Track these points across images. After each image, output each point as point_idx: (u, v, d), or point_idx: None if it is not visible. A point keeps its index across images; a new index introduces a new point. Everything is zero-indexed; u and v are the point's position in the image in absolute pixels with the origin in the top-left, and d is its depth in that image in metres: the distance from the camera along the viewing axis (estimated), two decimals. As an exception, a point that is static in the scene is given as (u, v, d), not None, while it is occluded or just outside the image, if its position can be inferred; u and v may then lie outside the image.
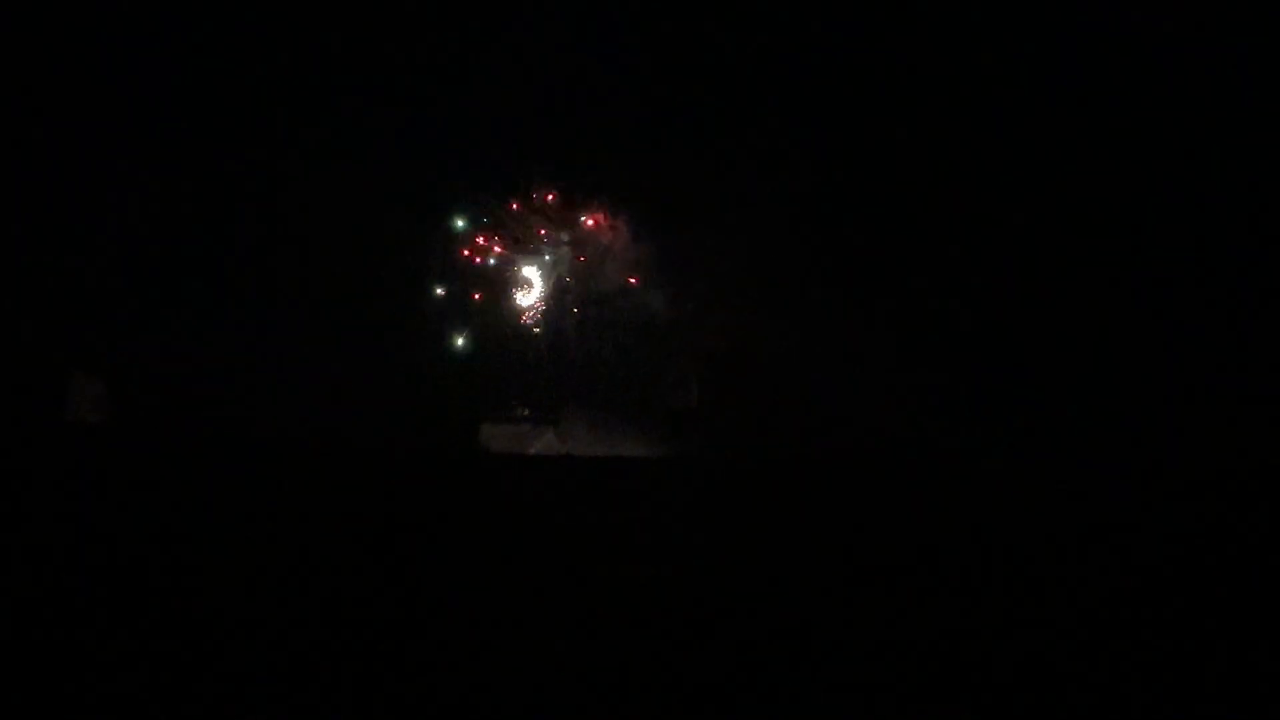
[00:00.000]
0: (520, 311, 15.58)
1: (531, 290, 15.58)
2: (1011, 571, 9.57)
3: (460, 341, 14.75)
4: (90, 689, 8.03)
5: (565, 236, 15.43)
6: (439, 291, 14.88)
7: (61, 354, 10.27)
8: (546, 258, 15.47)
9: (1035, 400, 11.32)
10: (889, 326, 13.32)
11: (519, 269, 15.60)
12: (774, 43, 13.13)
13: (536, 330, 15.51)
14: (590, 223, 15.25)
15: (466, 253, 15.41)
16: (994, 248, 12.30)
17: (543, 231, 15.41)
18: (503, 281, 15.58)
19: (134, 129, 12.08)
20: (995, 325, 12.14)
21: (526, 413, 14.93)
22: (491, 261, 15.52)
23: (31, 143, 11.49)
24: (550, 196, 15.25)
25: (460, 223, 15.23)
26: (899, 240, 13.08)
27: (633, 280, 15.15)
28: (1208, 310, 10.59)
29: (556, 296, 15.48)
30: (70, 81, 11.64)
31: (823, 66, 13.30)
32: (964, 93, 12.34)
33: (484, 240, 15.46)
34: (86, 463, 9.20)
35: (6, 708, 7.08)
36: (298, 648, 8.91)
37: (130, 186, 11.93)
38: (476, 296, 15.32)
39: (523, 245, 15.55)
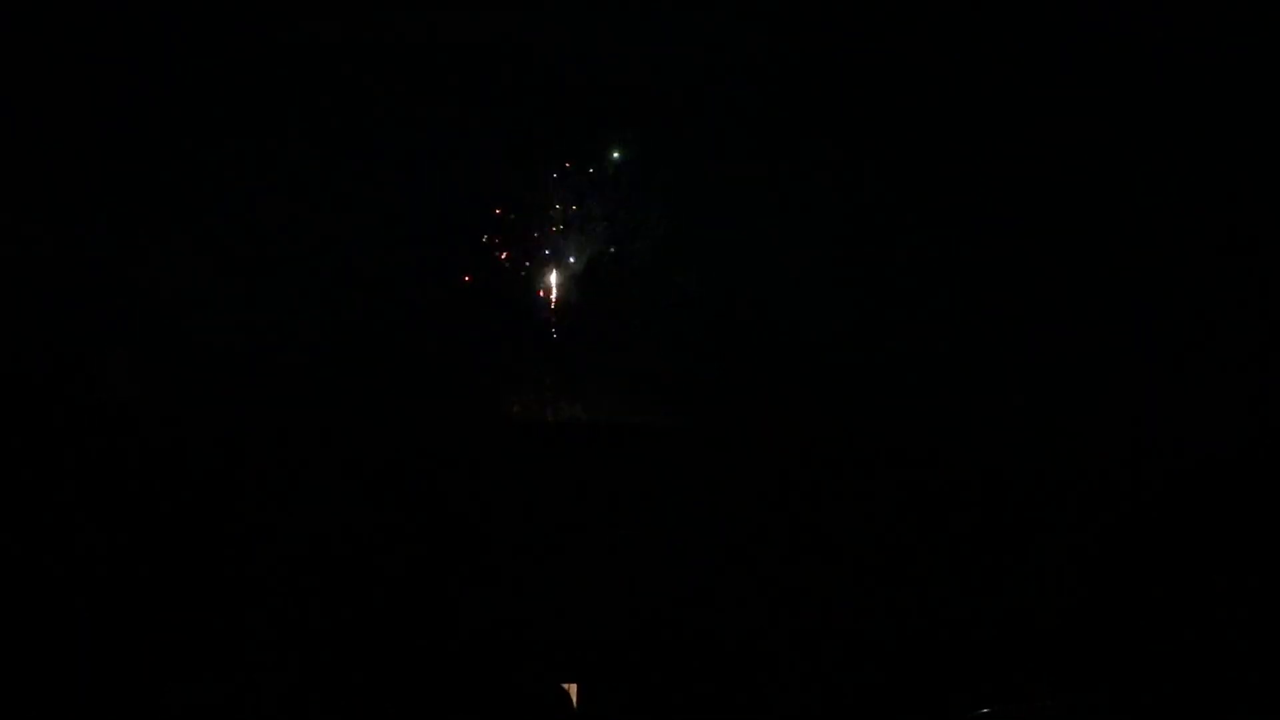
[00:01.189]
0: (545, 282, 15.69)
1: (557, 261, 15.69)
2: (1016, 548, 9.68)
3: (485, 311, 14.88)
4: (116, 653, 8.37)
5: (596, 210, 15.49)
6: (464, 263, 15.02)
7: (88, 327, 10.53)
8: (574, 229, 15.55)
9: (1049, 379, 11.37)
10: (908, 302, 13.31)
11: (546, 239, 15.69)
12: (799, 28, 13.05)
13: (560, 301, 15.63)
14: (618, 198, 15.29)
15: (495, 218, 15.50)
16: (1012, 228, 12.26)
17: (571, 204, 15.47)
18: (528, 252, 15.68)
19: (172, 102, 12.26)
20: (1014, 304, 12.14)
21: (548, 382, 15.10)
22: (519, 232, 15.61)
23: (63, 112, 11.70)
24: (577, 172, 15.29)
25: (490, 194, 15.31)
26: (918, 215, 13.03)
27: (658, 253, 15.20)
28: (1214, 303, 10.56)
29: (582, 268, 15.57)
30: (106, 54, 11.82)
31: (850, 45, 13.21)
32: (995, 79, 12.28)
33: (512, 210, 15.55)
34: (116, 435, 9.49)
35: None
36: (329, 613, 9.25)
37: (160, 155, 12.12)
38: (501, 262, 15.46)
39: (552, 215, 15.61)
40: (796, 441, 11.03)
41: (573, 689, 8.91)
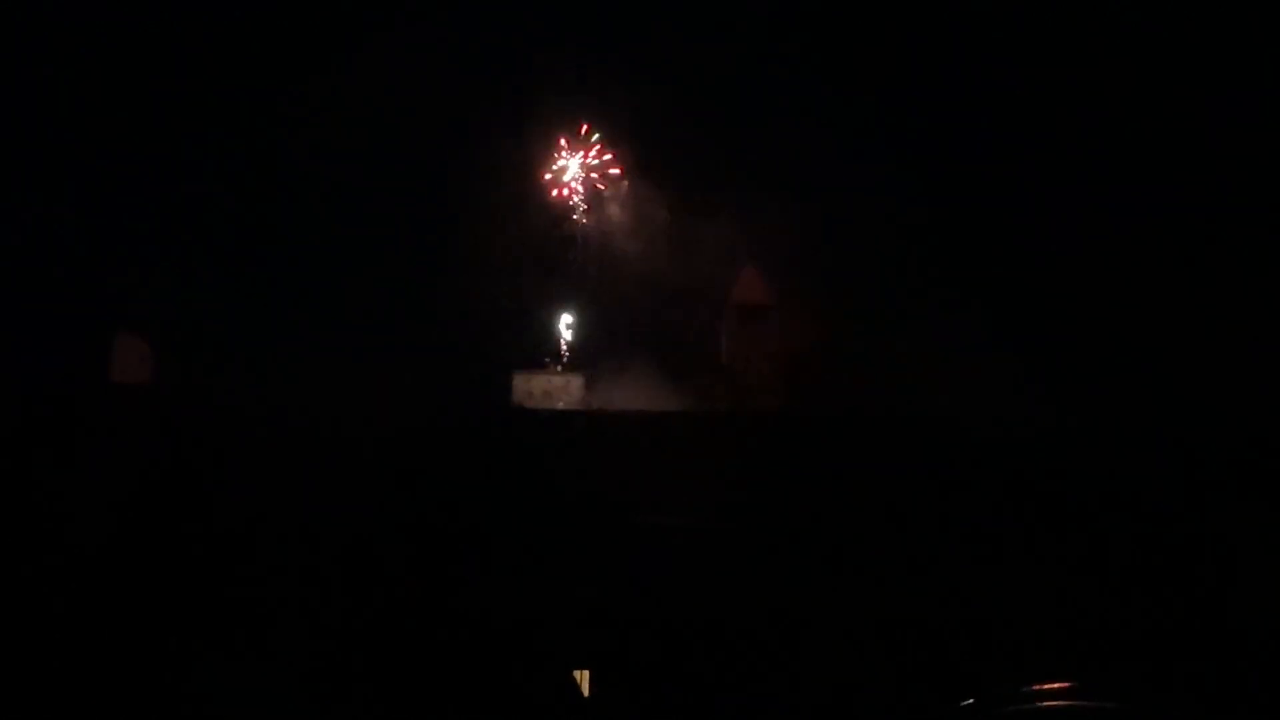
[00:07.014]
0: (559, 267, 15.73)
1: (571, 247, 15.72)
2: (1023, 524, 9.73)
3: (498, 295, 14.92)
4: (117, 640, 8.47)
5: (608, 195, 15.52)
6: (478, 248, 15.06)
7: (107, 314, 10.60)
8: (587, 218, 15.57)
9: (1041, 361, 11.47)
10: (913, 289, 13.33)
11: (562, 226, 15.71)
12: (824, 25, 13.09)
13: (573, 286, 15.67)
14: (631, 184, 15.33)
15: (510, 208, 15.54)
16: (1015, 211, 12.32)
17: (589, 188, 15.47)
18: (545, 237, 15.71)
19: (189, 92, 12.29)
20: (1015, 290, 12.22)
21: (559, 366, 15.15)
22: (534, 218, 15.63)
23: (84, 104, 11.73)
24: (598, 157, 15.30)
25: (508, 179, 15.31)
26: (922, 207, 13.06)
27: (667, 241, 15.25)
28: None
29: (594, 255, 15.61)
30: (125, 45, 11.83)
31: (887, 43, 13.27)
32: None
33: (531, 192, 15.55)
34: (130, 420, 9.55)
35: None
36: (341, 593, 9.36)
37: (177, 149, 12.16)
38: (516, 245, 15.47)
39: (568, 203, 15.62)
40: (807, 424, 11.05)
41: (584, 676, 8.96)
